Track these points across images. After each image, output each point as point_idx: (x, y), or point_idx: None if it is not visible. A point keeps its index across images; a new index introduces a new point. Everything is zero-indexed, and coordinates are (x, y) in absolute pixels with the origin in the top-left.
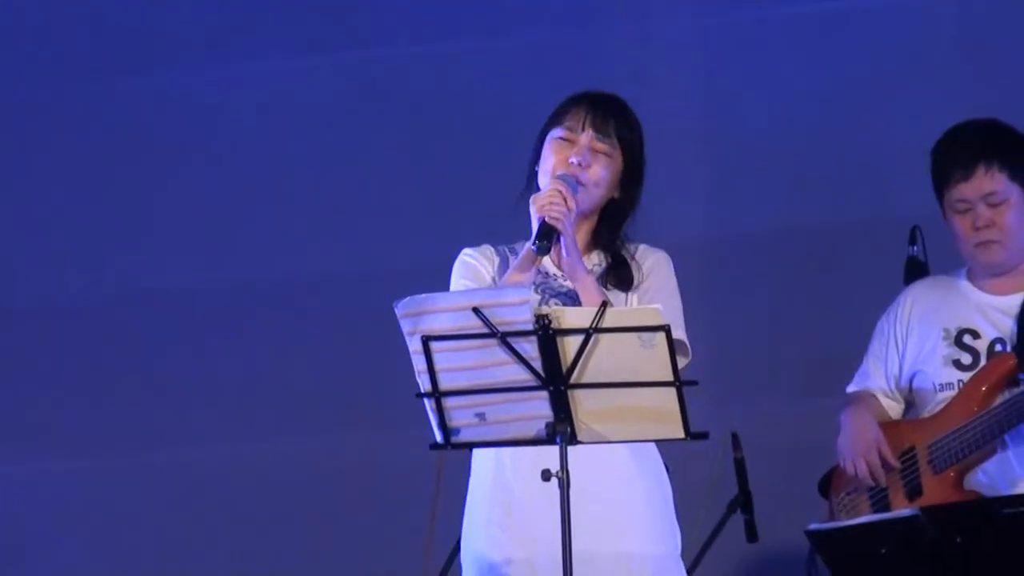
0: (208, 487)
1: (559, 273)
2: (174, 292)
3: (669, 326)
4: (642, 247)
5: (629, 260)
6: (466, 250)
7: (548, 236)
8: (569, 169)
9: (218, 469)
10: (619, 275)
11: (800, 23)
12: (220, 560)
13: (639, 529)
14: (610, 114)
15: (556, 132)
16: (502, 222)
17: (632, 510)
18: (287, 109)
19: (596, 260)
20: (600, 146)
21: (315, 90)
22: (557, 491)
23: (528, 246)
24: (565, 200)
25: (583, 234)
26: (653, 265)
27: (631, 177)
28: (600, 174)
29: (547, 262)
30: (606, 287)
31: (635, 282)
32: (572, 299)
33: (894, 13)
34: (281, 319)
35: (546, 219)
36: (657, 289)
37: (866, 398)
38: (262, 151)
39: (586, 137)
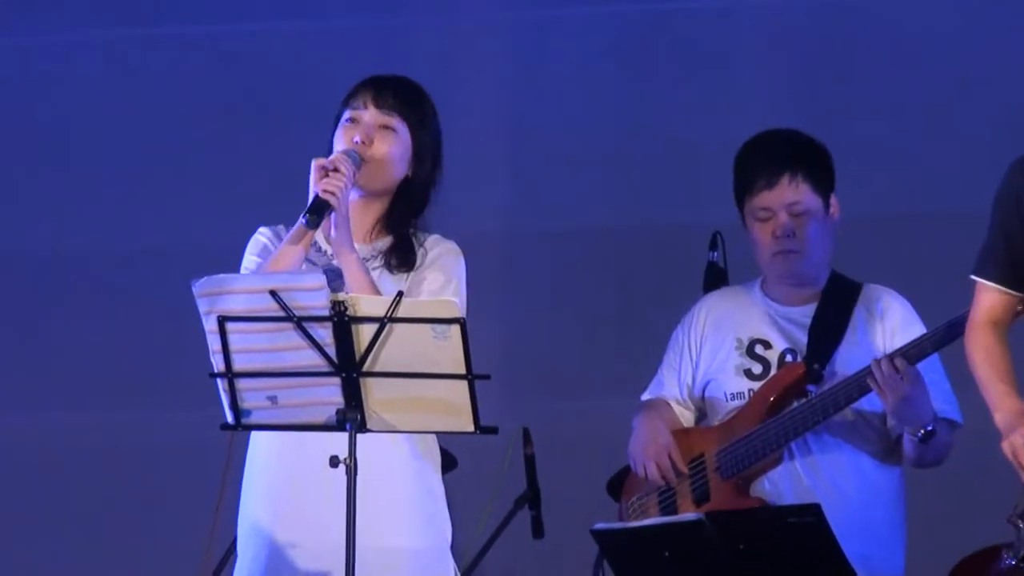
0: None
1: (329, 249)
2: None
3: (464, 319)
4: (433, 236)
5: (416, 244)
6: (261, 228)
7: (320, 211)
8: (353, 147)
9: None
10: (401, 256)
11: (607, 23)
12: None
13: (404, 523)
14: (392, 91)
15: (344, 116)
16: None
17: (395, 503)
18: (79, 83)
19: (383, 245)
20: (383, 120)
21: (113, 65)
22: (335, 479)
23: (300, 219)
24: (343, 173)
25: (372, 216)
26: (439, 254)
27: (422, 155)
28: (383, 150)
29: (321, 238)
30: (389, 267)
31: (416, 265)
32: (338, 276)
33: (729, 15)
34: (78, 292)
35: (319, 193)
36: (435, 273)
37: (659, 405)
38: (57, 124)
39: (368, 115)
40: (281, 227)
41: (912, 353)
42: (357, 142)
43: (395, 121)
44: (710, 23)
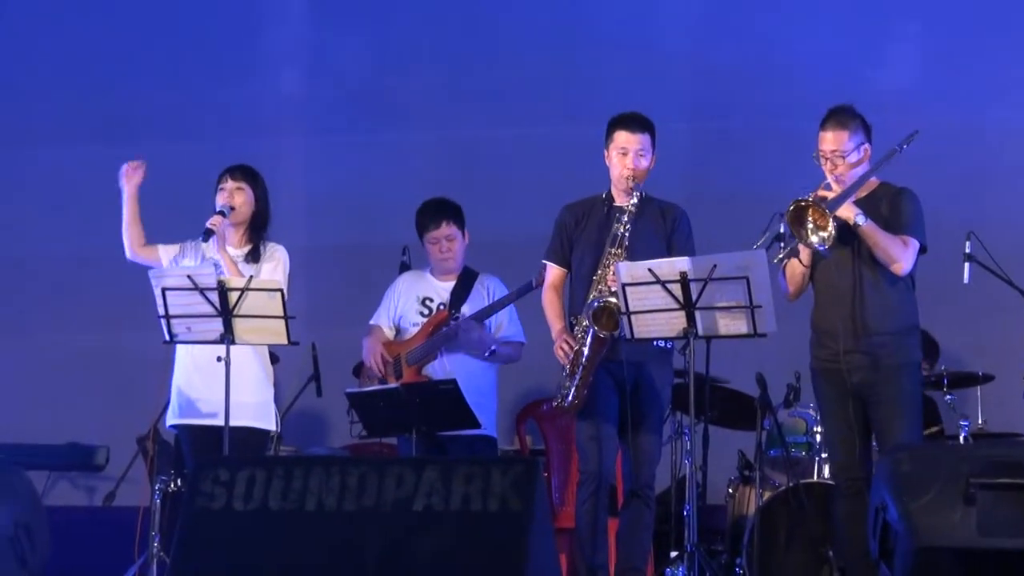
0: None
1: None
2: None
3: (281, 288)
4: (270, 244)
5: (262, 248)
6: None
7: (207, 235)
8: (224, 204)
9: None
10: (254, 257)
11: None
12: None
13: (251, 389)
14: (237, 168)
15: (220, 186)
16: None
17: (247, 379)
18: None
19: (246, 249)
20: (235, 185)
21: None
22: (220, 367)
23: (200, 238)
24: (222, 217)
25: (241, 234)
26: (271, 254)
27: (260, 202)
28: (238, 200)
29: (208, 246)
30: (247, 261)
31: (261, 261)
32: (218, 266)
33: None
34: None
35: (207, 225)
36: (269, 266)
37: (377, 328)
38: None
39: (228, 183)
40: (184, 243)
41: (498, 305)
42: (225, 199)
43: (242, 185)
44: None
